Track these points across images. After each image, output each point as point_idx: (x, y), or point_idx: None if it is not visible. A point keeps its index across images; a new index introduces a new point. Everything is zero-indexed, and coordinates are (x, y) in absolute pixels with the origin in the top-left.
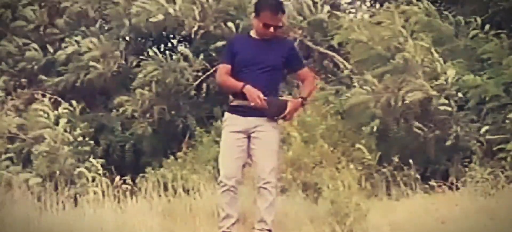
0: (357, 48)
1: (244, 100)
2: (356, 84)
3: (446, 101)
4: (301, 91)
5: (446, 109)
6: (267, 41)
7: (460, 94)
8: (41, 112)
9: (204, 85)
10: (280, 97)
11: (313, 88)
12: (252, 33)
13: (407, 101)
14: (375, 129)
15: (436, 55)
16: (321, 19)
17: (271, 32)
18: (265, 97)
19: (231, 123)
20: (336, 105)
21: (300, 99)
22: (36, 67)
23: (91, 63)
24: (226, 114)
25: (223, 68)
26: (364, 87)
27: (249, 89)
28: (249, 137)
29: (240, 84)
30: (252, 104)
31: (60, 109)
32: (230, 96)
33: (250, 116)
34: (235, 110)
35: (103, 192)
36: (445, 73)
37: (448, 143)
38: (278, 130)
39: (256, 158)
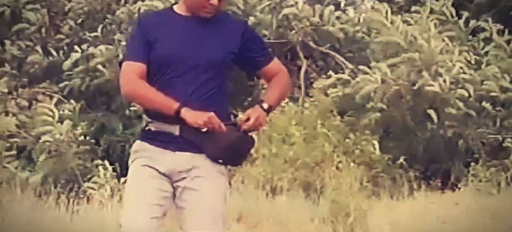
0: (377, 32)
1: (170, 124)
2: (360, 74)
3: (459, 103)
4: (266, 95)
5: (457, 110)
6: (204, 21)
7: (470, 93)
8: (47, 110)
9: None
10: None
11: (285, 91)
12: (177, 8)
13: (418, 96)
14: (373, 121)
15: (456, 54)
16: (328, 31)
17: (213, 4)
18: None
19: (146, 156)
20: (339, 101)
21: (263, 110)
22: (38, 71)
23: (99, 67)
24: (138, 143)
25: (131, 69)
26: (374, 76)
27: (193, 115)
28: (175, 186)
29: (174, 104)
30: (204, 129)
31: (66, 111)
32: (145, 117)
33: (182, 149)
34: (154, 139)
35: (103, 192)
36: (459, 72)
37: (461, 143)
38: (226, 176)
39: (190, 224)
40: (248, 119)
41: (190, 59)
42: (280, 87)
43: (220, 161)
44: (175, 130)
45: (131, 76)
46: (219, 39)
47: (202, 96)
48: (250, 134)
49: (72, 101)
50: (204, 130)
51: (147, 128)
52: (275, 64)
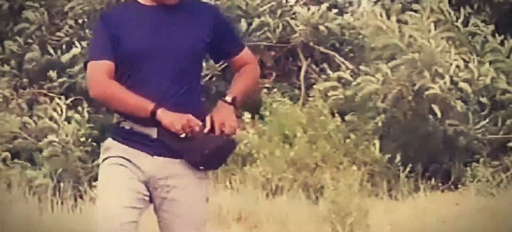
0: (374, 35)
1: (146, 126)
2: (361, 76)
3: (459, 103)
4: (231, 87)
5: (458, 109)
6: (171, 9)
7: (469, 93)
8: (44, 111)
9: (207, 83)
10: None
11: (253, 83)
12: None
13: (419, 97)
14: (380, 124)
15: (453, 54)
16: (329, 27)
17: None
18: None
19: (121, 156)
20: (340, 102)
21: (228, 104)
22: (37, 68)
23: None
24: (110, 141)
25: (100, 68)
26: (375, 76)
27: (169, 118)
28: (154, 195)
29: (149, 105)
30: (183, 135)
31: (77, 113)
32: (116, 115)
33: (161, 154)
34: (129, 139)
35: None
36: (457, 72)
37: (461, 143)
38: (206, 180)
39: None
40: (223, 124)
41: (161, 52)
42: (247, 79)
43: (201, 168)
44: (153, 132)
45: (100, 76)
46: (190, 28)
47: (177, 93)
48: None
49: (83, 101)
50: (183, 135)
51: (120, 125)
52: (246, 54)
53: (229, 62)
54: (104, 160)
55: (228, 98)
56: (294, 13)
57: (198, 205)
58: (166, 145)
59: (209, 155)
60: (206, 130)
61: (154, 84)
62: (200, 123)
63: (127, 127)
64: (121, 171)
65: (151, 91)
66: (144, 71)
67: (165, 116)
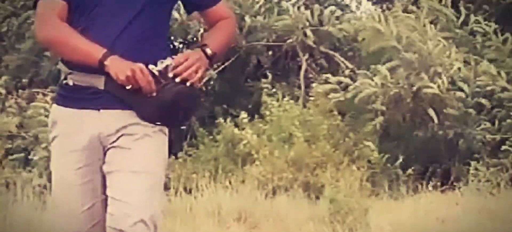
0: (372, 38)
1: (94, 75)
2: (360, 78)
3: (458, 103)
4: (209, 39)
5: (457, 110)
6: None
7: (468, 93)
8: (42, 110)
9: (206, 84)
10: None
11: (230, 40)
12: None
13: (417, 98)
14: (378, 126)
15: (454, 54)
16: (328, 31)
17: None
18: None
19: (67, 131)
20: (339, 103)
21: (206, 56)
22: (40, 72)
23: None
24: (55, 110)
25: (51, 8)
26: (373, 80)
27: (115, 66)
28: (105, 149)
29: (99, 52)
30: (129, 87)
31: None
32: (63, 68)
33: (109, 106)
34: (73, 98)
35: None
36: (457, 72)
37: (461, 143)
38: (166, 135)
39: (120, 188)
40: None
41: None
42: (226, 34)
43: (158, 123)
44: (100, 82)
45: (50, 18)
46: None
47: (134, 38)
48: (192, 85)
49: None
50: (129, 87)
51: (65, 82)
52: (222, 7)
53: (204, 14)
54: (53, 139)
55: (209, 51)
56: (292, 13)
57: (154, 157)
58: (115, 96)
59: (163, 108)
60: (170, 75)
61: (107, 27)
62: (150, 77)
63: (70, 83)
64: (71, 161)
65: (104, 35)
66: (97, 10)
67: (113, 65)
